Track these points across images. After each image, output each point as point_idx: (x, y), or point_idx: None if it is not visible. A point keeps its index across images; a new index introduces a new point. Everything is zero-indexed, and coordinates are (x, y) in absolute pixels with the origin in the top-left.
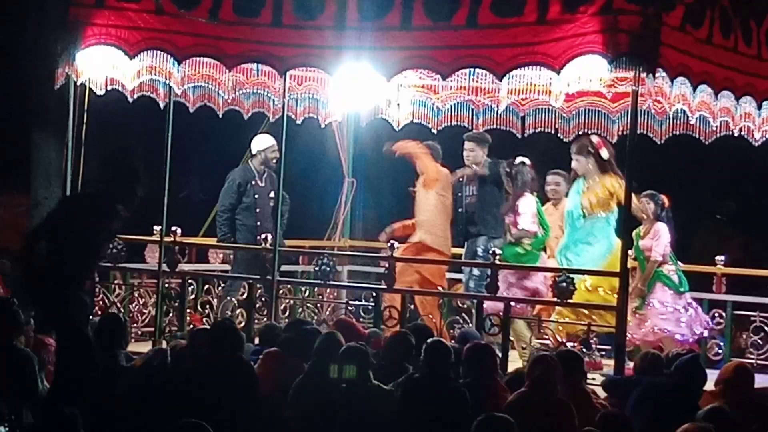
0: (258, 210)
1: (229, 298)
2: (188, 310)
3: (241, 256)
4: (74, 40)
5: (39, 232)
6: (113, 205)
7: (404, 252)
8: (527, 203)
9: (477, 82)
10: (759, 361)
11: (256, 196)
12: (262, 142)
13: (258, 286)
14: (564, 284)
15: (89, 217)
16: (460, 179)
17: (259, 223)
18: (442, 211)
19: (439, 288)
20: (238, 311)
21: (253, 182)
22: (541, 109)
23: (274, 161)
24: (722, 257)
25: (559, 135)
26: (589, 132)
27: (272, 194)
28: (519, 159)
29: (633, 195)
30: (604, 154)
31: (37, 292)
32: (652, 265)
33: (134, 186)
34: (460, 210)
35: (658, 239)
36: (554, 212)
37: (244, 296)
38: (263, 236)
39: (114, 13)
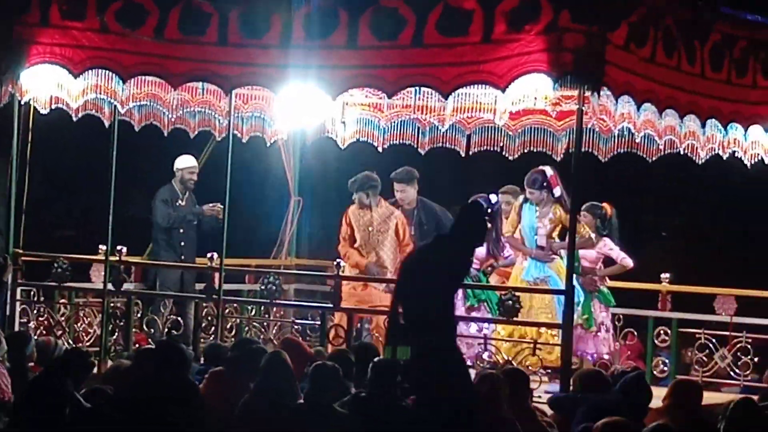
0: (182, 230)
1: (155, 318)
2: (134, 330)
3: (166, 275)
4: (19, 59)
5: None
6: (469, 249)
7: None
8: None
9: (423, 100)
10: (704, 378)
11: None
12: (181, 162)
13: (204, 305)
14: (510, 302)
15: (454, 265)
16: None
17: (183, 243)
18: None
19: None
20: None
21: (177, 202)
22: (487, 127)
23: (191, 182)
24: (667, 275)
25: (504, 153)
26: (536, 151)
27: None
28: (494, 197)
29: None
30: (557, 192)
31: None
32: (620, 269)
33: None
34: None
35: (612, 249)
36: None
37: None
38: (209, 255)
39: (59, 31)
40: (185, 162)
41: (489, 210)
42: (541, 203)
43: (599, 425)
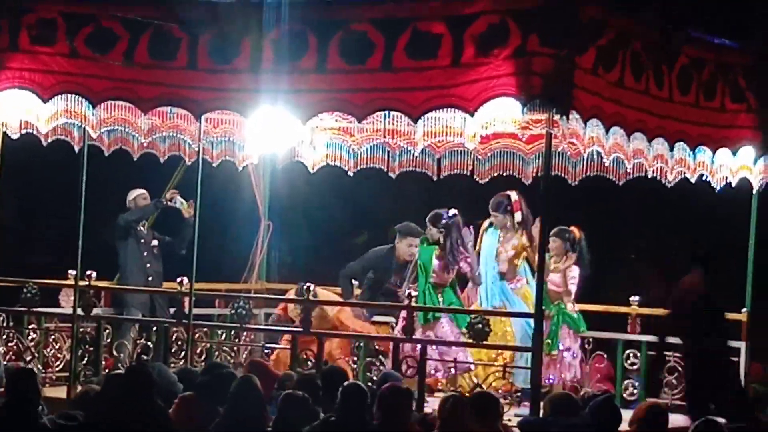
0: (145, 253)
1: (123, 342)
2: (104, 355)
3: (134, 297)
4: None
5: None
6: None
7: None
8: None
9: (393, 124)
10: (674, 401)
11: (142, 240)
12: (131, 194)
13: (174, 329)
14: (480, 326)
15: None
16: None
17: (148, 265)
18: None
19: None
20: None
21: (138, 228)
22: (457, 151)
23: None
24: (636, 297)
25: (474, 177)
26: (506, 174)
27: (155, 242)
28: (453, 211)
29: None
30: (518, 217)
31: None
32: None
33: None
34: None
35: (574, 280)
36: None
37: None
38: (179, 279)
39: (28, 56)
40: (135, 192)
41: (445, 223)
42: (505, 228)
43: None
